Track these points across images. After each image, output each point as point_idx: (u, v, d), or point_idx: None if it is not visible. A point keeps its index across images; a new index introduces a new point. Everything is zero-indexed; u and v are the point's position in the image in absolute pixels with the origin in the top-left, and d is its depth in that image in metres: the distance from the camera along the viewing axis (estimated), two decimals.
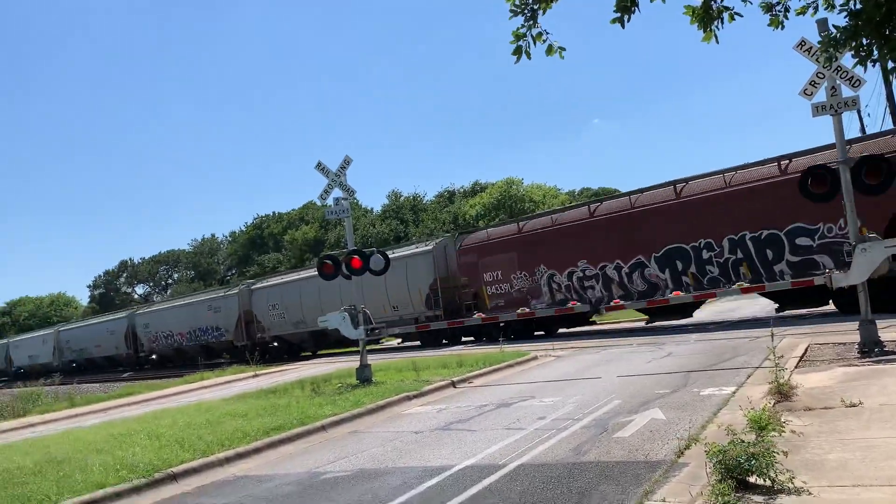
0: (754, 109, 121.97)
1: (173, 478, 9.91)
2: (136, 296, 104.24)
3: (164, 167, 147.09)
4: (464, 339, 31.36)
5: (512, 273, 28.67)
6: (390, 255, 32.84)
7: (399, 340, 36.37)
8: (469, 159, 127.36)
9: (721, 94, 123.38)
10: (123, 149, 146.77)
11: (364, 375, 17.72)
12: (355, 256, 17.54)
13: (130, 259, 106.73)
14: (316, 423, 12.72)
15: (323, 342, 38.83)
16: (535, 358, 20.30)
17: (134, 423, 14.91)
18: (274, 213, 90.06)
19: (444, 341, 31.61)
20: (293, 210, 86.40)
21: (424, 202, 76.36)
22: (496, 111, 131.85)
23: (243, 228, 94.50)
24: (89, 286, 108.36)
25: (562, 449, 9.01)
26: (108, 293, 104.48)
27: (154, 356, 48.30)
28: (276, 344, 39.38)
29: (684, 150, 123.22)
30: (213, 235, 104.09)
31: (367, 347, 34.26)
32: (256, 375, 27.65)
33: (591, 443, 9.13)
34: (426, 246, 32.88)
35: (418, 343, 33.16)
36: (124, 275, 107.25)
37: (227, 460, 10.73)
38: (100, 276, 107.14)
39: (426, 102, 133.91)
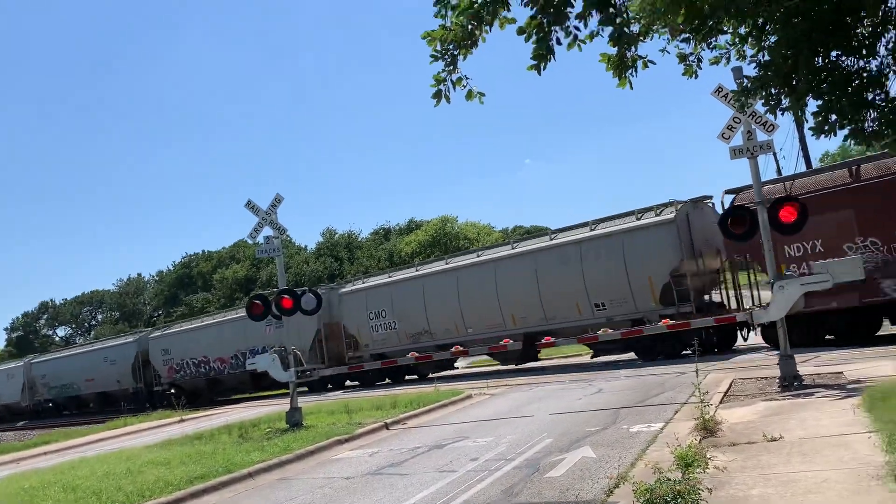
0: (682, 147, 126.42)
1: None
2: (56, 338, 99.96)
3: (88, 204, 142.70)
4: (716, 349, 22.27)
5: (845, 242, 19.01)
6: (589, 231, 24.09)
7: (590, 354, 25.64)
8: (405, 197, 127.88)
9: (651, 133, 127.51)
10: (43, 184, 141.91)
11: (294, 419, 17.31)
12: (286, 296, 17.24)
13: (52, 300, 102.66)
14: (242, 471, 12.32)
15: (448, 362, 30.14)
16: (469, 396, 20.24)
17: (49, 475, 14.16)
18: (203, 251, 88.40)
19: (685, 351, 21.56)
20: (224, 248, 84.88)
21: (359, 239, 76.11)
22: (432, 149, 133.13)
23: (171, 267, 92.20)
24: (6, 329, 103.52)
25: (494, 491, 8.94)
26: (26, 336, 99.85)
27: (173, 390, 38.77)
28: (378, 365, 30.13)
29: (612, 189, 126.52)
30: (139, 275, 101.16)
31: (552, 363, 27.49)
32: (183, 420, 26.72)
33: (522, 483, 9.09)
34: (659, 214, 22.87)
35: (632, 356, 23.77)
36: (45, 316, 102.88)
37: None
38: (18, 318, 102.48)
39: (361, 139, 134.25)
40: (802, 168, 30.85)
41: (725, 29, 5.38)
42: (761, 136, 13.67)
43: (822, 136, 5.35)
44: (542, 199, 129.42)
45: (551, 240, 25.70)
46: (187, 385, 39.01)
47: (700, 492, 6.31)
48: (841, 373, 14.09)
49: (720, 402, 12.53)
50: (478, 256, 28.01)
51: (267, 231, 18.36)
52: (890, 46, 5.16)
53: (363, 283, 32.31)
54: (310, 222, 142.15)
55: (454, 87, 5.13)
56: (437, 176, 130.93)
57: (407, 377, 30.61)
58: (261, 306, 17.81)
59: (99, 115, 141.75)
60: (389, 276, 31.35)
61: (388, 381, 30.36)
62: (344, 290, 32.43)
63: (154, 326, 53.55)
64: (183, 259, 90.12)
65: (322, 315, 30.18)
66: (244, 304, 37.56)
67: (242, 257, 77.77)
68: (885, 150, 5.35)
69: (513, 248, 26.83)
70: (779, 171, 33.86)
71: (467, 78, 5.05)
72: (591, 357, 25.44)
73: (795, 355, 13.79)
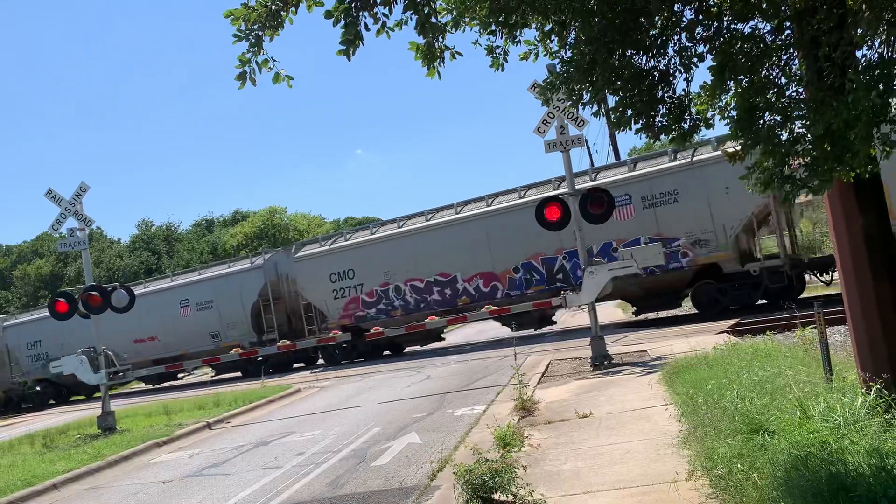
0: (512, 140, 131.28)
1: None
2: None
3: None
4: None
5: None
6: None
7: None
8: (230, 187, 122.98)
9: (477, 127, 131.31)
10: None
11: (107, 423, 16.18)
12: (93, 293, 16.02)
13: None
14: (46, 483, 11.40)
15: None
16: (298, 391, 19.91)
17: None
18: (1, 245, 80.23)
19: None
20: (24, 242, 77.62)
21: (179, 232, 72.48)
22: (259, 138, 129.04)
23: None
24: None
25: (319, 484, 8.85)
26: None
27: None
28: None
29: (442, 181, 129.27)
30: None
31: None
32: None
33: (348, 474, 9.07)
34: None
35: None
36: None
37: None
38: None
39: (181, 126, 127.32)
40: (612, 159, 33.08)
41: (533, 25, 5.63)
42: (573, 130, 14.47)
43: (621, 129, 5.74)
44: (374, 190, 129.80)
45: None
46: None
47: (516, 470, 6.57)
48: (645, 351, 15.30)
49: (538, 383, 13.18)
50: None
51: (71, 223, 16.96)
52: (677, 48, 5.62)
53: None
54: (124, 213, 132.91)
55: (260, 70, 4.99)
56: (264, 166, 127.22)
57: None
58: (65, 305, 16.46)
59: None
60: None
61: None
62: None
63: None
64: None
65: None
66: (48, 302, 33.50)
67: (47, 252, 71.46)
68: (672, 144, 5.82)
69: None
70: (592, 163, 36.14)
71: (274, 60, 4.93)
72: None
73: (605, 336, 14.80)
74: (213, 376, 29.85)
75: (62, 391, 33.00)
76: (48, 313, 27.25)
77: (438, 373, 18.41)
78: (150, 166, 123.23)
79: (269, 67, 4.97)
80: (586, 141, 14.46)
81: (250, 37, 4.79)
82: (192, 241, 67.78)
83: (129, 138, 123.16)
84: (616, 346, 16.42)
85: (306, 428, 13.25)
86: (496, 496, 6.47)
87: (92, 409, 21.89)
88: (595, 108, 5.94)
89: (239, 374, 28.69)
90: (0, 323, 34.67)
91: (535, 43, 5.83)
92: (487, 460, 6.73)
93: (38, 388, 32.87)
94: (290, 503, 8.21)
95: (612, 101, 5.65)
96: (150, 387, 31.81)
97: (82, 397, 33.83)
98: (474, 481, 6.46)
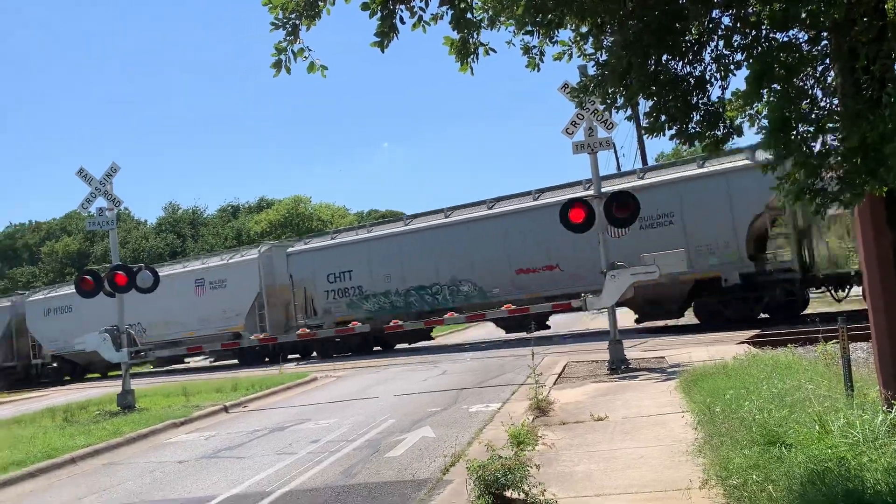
0: (540, 139, 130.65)
1: None
2: None
3: None
4: None
5: None
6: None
7: None
8: (256, 174, 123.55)
9: (506, 125, 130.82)
10: None
11: (126, 402, 16.42)
12: (120, 272, 16.25)
13: None
14: (65, 456, 11.58)
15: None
16: (315, 379, 20.06)
17: None
18: (31, 221, 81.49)
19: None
20: (54, 219, 78.75)
21: (205, 216, 73.18)
22: (286, 127, 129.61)
23: None
24: None
25: (332, 472, 8.92)
26: None
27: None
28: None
29: (467, 177, 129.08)
30: None
31: None
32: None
33: (362, 464, 9.13)
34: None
35: None
36: None
37: None
38: None
39: (211, 111, 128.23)
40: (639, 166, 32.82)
41: (568, 26, 5.62)
42: (602, 132, 14.41)
43: (654, 135, 5.71)
44: (399, 183, 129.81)
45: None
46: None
47: (528, 469, 6.58)
48: (663, 357, 15.21)
49: (554, 384, 13.17)
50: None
51: (101, 202, 17.21)
52: (714, 54, 5.59)
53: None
54: (151, 195, 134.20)
55: (295, 59, 5.04)
56: (291, 155, 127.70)
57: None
58: (91, 282, 16.71)
59: None
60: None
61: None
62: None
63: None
64: (7, 229, 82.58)
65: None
66: (74, 279, 33.61)
67: (75, 230, 72.46)
68: (705, 150, 5.78)
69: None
70: (618, 168, 35.90)
71: (310, 49, 4.98)
72: None
73: (624, 340, 14.75)
74: (636, 320, 22.33)
75: (369, 338, 26.65)
76: (360, 235, 25.87)
77: (455, 368, 18.46)
78: (180, 151, 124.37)
79: (305, 57, 5.02)
80: (614, 144, 14.46)
81: (287, 25, 4.84)
82: (217, 225, 68.35)
83: (161, 123, 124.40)
84: (634, 350, 16.35)
85: (322, 416, 13.35)
86: (508, 493, 6.49)
87: (115, 387, 22.20)
88: (628, 112, 5.91)
89: (696, 321, 21.25)
90: (282, 250, 28.89)
91: (570, 44, 5.82)
92: (500, 457, 6.75)
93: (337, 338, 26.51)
94: (303, 489, 8.29)
95: (644, 105, 5.63)
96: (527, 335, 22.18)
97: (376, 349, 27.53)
98: (487, 477, 6.48)
